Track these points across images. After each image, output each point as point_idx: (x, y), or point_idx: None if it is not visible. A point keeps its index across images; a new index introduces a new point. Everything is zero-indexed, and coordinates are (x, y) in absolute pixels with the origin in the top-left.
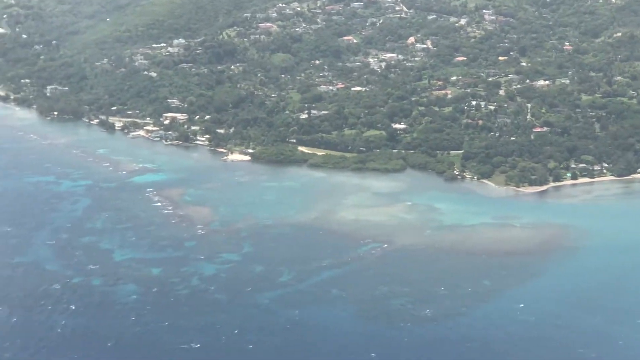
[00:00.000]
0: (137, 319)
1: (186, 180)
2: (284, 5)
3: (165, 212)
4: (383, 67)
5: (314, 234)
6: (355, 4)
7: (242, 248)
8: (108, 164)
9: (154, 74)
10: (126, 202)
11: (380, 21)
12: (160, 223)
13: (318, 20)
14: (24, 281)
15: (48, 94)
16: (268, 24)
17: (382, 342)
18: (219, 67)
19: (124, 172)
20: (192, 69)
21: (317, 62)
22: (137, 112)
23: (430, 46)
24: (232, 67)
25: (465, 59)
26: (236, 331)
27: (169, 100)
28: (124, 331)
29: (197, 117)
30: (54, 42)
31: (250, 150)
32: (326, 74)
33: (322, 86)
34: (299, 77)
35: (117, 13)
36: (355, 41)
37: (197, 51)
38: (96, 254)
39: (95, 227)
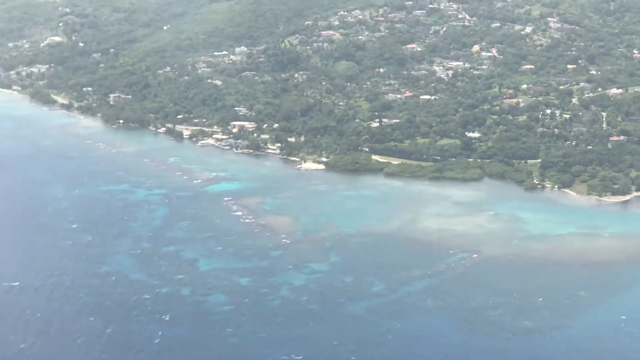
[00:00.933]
0: (234, 330)
1: (262, 189)
2: (345, 13)
3: (246, 221)
4: (450, 75)
5: (399, 243)
6: (418, 12)
7: (328, 258)
8: (181, 172)
9: (218, 82)
10: (204, 211)
11: (444, 29)
12: (242, 232)
13: (381, 28)
14: (113, 291)
15: (111, 102)
16: (330, 31)
17: (489, 355)
18: (282, 75)
19: (199, 180)
20: (256, 77)
21: (381, 70)
22: (204, 120)
23: (496, 54)
24: (296, 75)
25: (532, 67)
26: (335, 342)
27: (235, 108)
28: (223, 342)
29: (266, 125)
30: (112, 50)
31: (323, 159)
32: (392, 82)
33: (390, 94)
34: (365, 86)
35: (174, 21)
36: (419, 49)
37: (260, 59)
38: (181, 263)
39: (176, 237)
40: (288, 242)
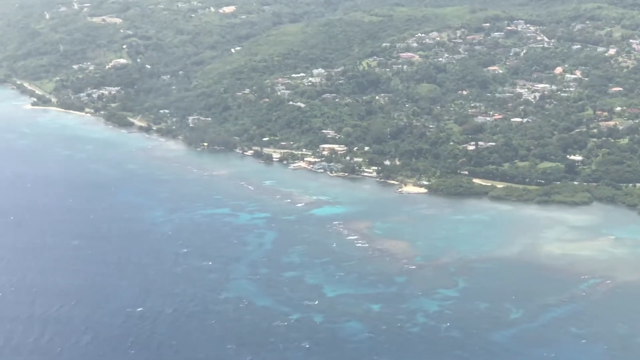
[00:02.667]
0: (379, 358)
1: (369, 213)
2: (422, 35)
3: (361, 245)
4: (537, 97)
5: (525, 268)
6: (496, 34)
7: (456, 283)
8: (280, 195)
9: (301, 104)
10: (315, 235)
11: (524, 51)
12: (360, 257)
13: (460, 50)
14: (243, 318)
15: (191, 125)
16: (409, 53)
17: None
18: (364, 97)
19: (301, 204)
20: (337, 99)
21: (464, 92)
22: (292, 143)
23: (581, 76)
24: (377, 97)
25: (621, 89)
26: None
27: (323, 131)
28: None
29: (356, 148)
30: (181, 72)
31: (424, 182)
32: (477, 104)
33: (479, 117)
34: (451, 108)
35: (241, 43)
36: (500, 71)
37: (340, 81)
38: (305, 289)
39: (293, 262)
40: (412, 267)
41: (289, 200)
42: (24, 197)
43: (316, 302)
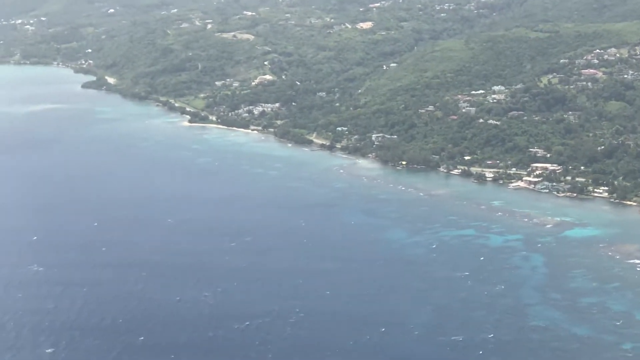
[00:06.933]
0: None
1: (630, 236)
2: (600, 51)
3: None
4: None
5: None
6: None
7: None
8: (518, 216)
9: (494, 122)
10: (586, 258)
11: None
12: None
13: None
14: (569, 348)
15: (376, 143)
16: (591, 70)
17: None
18: (554, 115)
19: (549, 225)
20: (524, 117)
21: None
22: (497, 162)
23: None
24: (564, 115)
25: None
26: None
27: (530, 149)
28: None
29: (571, 167)
30: (335, 89)
31: None
32: None
33: None
34: None
35: (396, 59)
36: None
37: (525, 98)
38: (615, 316)
39: (581, 287)
40: None
41: (535, 222)
42: (250, 218)
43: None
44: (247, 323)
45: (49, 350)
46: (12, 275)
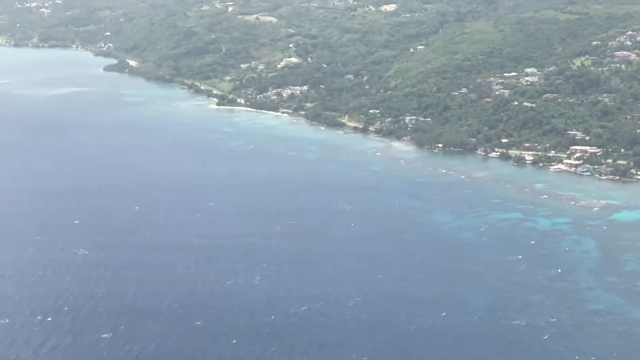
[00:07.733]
0: None
1: None
2: (633, 32)
3: None
4: None
5: None
6: None
7: None
8: (564, 199)
9: (530, 104)
10: (638, 242)
11: None
12: None
13: None
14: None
15: (410, 125)
16: (625, 52)
17: None
18: (589, 98)
19: (596, 208)
20: (559, 99)
21: None
22: (536, 144)
23: None
24: (599, 97)
25: None
26: None
27: (569, 132)
28: None
29: (611, 150)
30: (363, 71)
31: None
32: None
33: None
34: None
35: (423, 42)
36: None
37: (558, 81)
38: None
39: (633, 270)
40: None
41: (582, 204)
42: (292, 201)
43: None
44: (305, 307)
45: (108, 335)
46: (60, 260)
